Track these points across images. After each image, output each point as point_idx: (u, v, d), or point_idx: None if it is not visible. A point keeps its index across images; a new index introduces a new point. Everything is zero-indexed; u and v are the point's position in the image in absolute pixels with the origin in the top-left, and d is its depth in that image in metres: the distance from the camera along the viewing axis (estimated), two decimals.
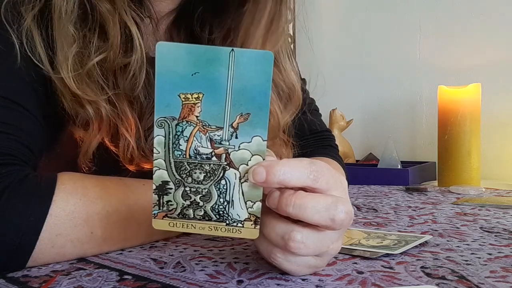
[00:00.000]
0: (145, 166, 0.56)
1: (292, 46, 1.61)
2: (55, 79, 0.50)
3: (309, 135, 0.77)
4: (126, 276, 0.39)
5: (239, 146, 0.34)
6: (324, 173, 0.35)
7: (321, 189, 0.35)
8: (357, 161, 1.44)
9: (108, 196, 0.46)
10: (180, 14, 0.65)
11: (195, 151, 0.35)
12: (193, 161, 0.35)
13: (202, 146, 0.35)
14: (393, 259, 0.44)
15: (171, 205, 0.36)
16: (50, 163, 0.57)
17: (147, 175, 0.51)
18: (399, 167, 1.19)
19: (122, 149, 0.54)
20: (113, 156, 0.55)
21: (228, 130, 0.34)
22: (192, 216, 0.36)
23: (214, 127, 0.34)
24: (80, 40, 0.51)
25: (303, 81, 0.80)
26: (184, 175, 0.35)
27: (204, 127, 0.34)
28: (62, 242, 0.43)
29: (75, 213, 0.43)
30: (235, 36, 0.61)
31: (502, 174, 1.26)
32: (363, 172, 1.15)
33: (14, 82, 0.49)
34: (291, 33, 1.71)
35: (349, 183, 0.73)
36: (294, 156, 0.72)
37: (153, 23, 0.61)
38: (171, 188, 0.35)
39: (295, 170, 0.34)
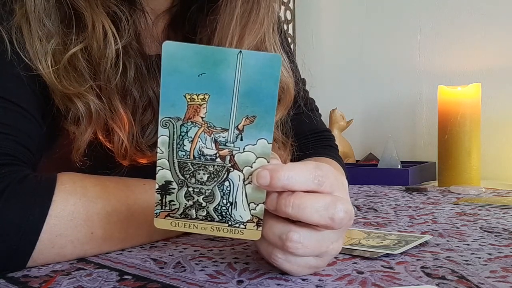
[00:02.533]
0: (140, 161, 0.56)
1: (292, 46, 1.61)
2: (42, 76, 0.50)
3: (309, 135, 0.77)
4: (126, 276, 0.39)
5: (244, 148, 0.34)
6: (329, 177, 0.35)
7: (325, 191, 0.35)
8: (357, 161, 1.44)
9: (107, 196, 0.46)
10: (177, 16, 0.65)
11: (199, 152, 0.35)
12: (197, 162, 0.35)
13: (206, 147, 0.34)
14: (393, 259, 0.44)
15: (173, 205, 0.36)
16: (48, 162, 0.57)
17: (142, 169, 0.52)
18: (399, 167, 1.19)
19: (116, 144, 0.54)
20: (108, 151, 0.55)
21: (234, 132, 0.34)
22: (194, 216, 0.36)
23: (219, 128, 0.34)
24: (58, 34, 0.51)
25: (303, 81, 0.80)
26: (188, 176, 0.35)
27: (209, 128, 0.34)
28: (62, 243, 0.42)
29: (75, 213, 0.43)
30: (214, 32, 0.60)
31: (502, 174, 1.26)
32: (363, 172, 1.15)
33: (12, 82, 0.49)
34: (291, 33, 1.71)
35: (349, 183, 0.73)
36: (293, 157, 0.72)
37: (148, 20, 0.61)
38: (174, 188, 0.35)
39: (300, 175, 0.34)
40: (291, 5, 1.67)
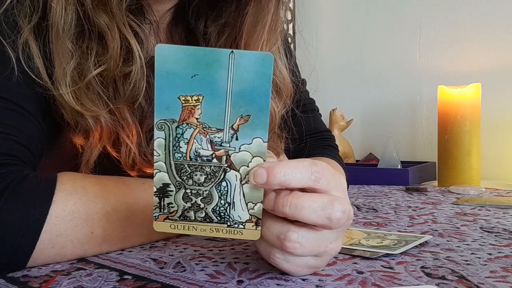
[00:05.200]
0: (147, 171, 0.56)
1: (292, 45, 1.61)
2: (54, 93, 0.50)
3: (308, 135, 0.77)
4: (126, 276, 0.40)
5: (239, 148, 0.34)
6: (325, 173, 0.35)
7: (322, 189, 0.35)
8: (357, 161, 1.44)
9: (107, 195, 0.46)
10: (178, 10, 0.65)
11: (195, 153, 0.35)
12: (193, 163, 0.35)
13: (202, 148, 0.35)
14: (393, 259, 0.44)
15: (172, 207, 0.36)
16: (50, 163, 0.57)
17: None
18: (399, 167, 1.19)
19: (124, 155, 0.54)
20: (115, 162, 0.55)
21: (229, 132, 0.34)
22: (193, 218, 0.36)
23: (215, 129, 0.34)
24: (78, 54, 0.51)
25: (303, 81, 0.80)
26: (185, 177, 0.35)
27: (205, 129, 0.34)
28: (62, 243, 0.43)
29: (75, 213, 0.43)
30: (232, 34, 0.61)
31: (502, 174, 1.26)
32: (363, 172, 1.15)
33: (13, 83, 0.49)
34: (291, 33, 1.71)
35: (349, 184, 0.73)
36: (290, 153, 0.73)
37: (153, 25, 0.62)
38: (171, 191, 0.35)
39: (296, 171, 0.34)
40: (291, 5, 1.67)
